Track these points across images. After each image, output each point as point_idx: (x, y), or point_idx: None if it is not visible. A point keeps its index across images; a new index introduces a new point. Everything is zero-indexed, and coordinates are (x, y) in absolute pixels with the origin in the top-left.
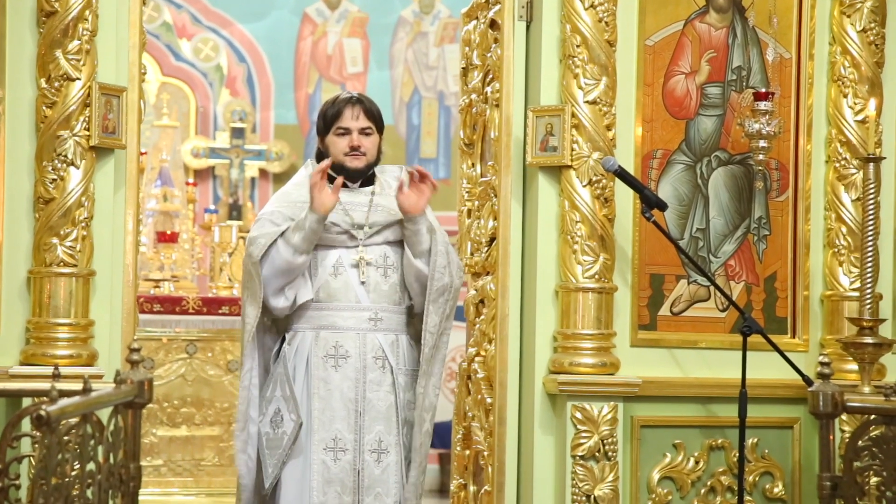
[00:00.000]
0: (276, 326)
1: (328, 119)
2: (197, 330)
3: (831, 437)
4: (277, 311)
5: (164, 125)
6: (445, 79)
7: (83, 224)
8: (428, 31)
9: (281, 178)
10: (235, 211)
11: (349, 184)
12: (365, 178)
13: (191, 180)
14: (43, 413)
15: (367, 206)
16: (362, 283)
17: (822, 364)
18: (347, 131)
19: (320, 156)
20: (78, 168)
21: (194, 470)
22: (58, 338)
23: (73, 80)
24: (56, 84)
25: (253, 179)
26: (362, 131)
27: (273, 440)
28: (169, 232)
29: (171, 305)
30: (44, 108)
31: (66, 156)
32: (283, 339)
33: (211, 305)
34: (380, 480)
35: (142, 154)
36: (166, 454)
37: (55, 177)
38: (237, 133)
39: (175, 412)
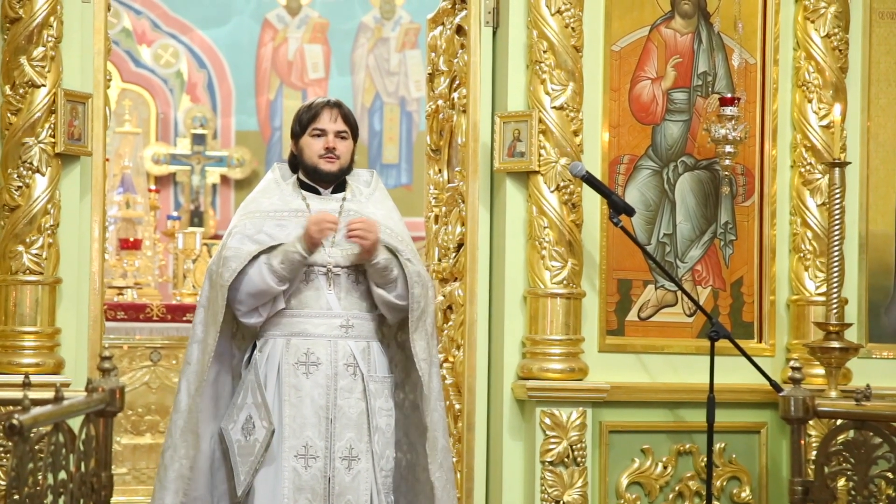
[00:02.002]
0: (243, 333)
1: (304, 121)
2: (161, 337)
3: (802, 442)
4: (247, 325)
5: (125, 132)
6: (407, 84)
7: (49, 231)
8: (389, 37)
9: (243, 185)
10: (197, 217)
11: (321, 189)
12: (337, 183)
13: (153, 187)
14: (15, 422)
15: (337, 213)
16: (330, 289)
17: (793, 369)
18: (323, 133)
19: (293, 160)
20: (43, 175)
21: None
22: (24, 346)
23: (38, 86)
24: (21, 91)
25: (214, 186)
26: (338, 134)
27: (245, 447)
28: (132, 239)
29: (135, 313)
30: (8, 114)
31: (31, 163)
32: (255, 346)
33: (175, 312)
34: (350, 488)
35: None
36: (130, 462)
37: (20, 184)
38: (198, 139)
39: (139, 420)
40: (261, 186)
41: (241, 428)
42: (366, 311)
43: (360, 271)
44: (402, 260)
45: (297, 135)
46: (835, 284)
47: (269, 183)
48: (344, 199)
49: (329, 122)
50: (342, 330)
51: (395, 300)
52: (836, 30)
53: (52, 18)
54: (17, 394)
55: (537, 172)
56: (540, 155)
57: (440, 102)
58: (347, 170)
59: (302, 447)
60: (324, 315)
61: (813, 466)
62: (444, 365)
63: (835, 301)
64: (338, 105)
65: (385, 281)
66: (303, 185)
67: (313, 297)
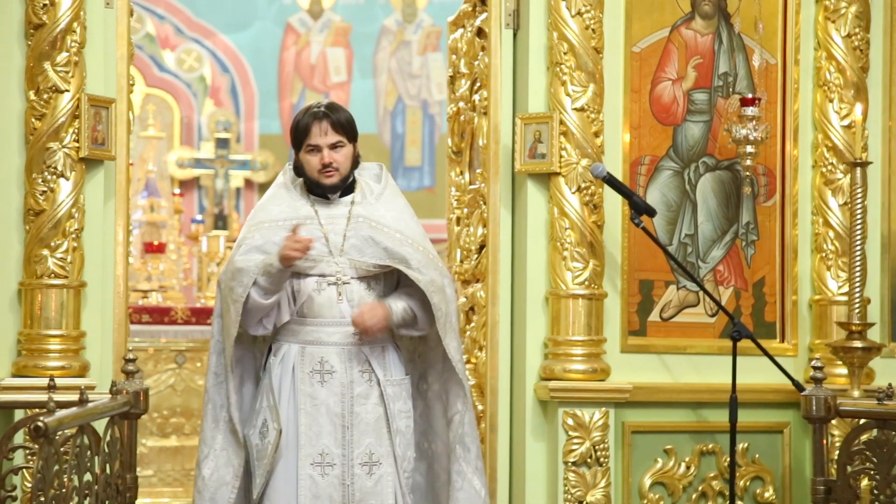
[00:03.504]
0: (262, 337)
1: (298, 135)
2: (185, 340)
3: (825, 442)
4: (258, 335)
5: (149, 136)
6: (429, 87)
7: (73, 235)
8: (411, 40)
9: (266, 188)
10: (221, 221)
11: (329, 196)
12: (344, 188)
13: (177, 191)
14: (40, 424)
15: (346, 218)
16: (341, 298)
17: (815, 368)
18: (317, 148)
19: (297, 169)
20: (68, 180)
21: (184, 480)
22: (49, 349)
23: (62, 91)
24: (45, 96)
25: (238, 189)
26: (332, 146)
27: (261, 451)
28: (156, 242)
29: (160, 316)
30: (33, 120)
31: (55, 167)
32: (270, 350)
33: (199, 315)
34: (373, 493)
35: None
36: (156, 464)
37: (45, 188)
38: (222, 143)
39: (165, 422)
40: (270, 192)
41: (259, 432)
42: None
43: (371, 278)
44: (412, 274)
45: (295, 146)
46: (857, 284)
47: (279, 189)
48: (352, 202)
49: (320, 136)
50: (356, 337)
51: (419, 332)
52: (856, 29)
53: (75, 24)
54: (42, 396)
55: (558, 174)
56: (561, 156)
57: (461, 105)
58: (353, 170)
59: (318, 455)
60: (337, 323)
61: (835, 466)
62: (467, 366)
63: (857, 301)
64: (326, 115)
65: (409, 325)
66: (313, 191)
67: (326, 306)
